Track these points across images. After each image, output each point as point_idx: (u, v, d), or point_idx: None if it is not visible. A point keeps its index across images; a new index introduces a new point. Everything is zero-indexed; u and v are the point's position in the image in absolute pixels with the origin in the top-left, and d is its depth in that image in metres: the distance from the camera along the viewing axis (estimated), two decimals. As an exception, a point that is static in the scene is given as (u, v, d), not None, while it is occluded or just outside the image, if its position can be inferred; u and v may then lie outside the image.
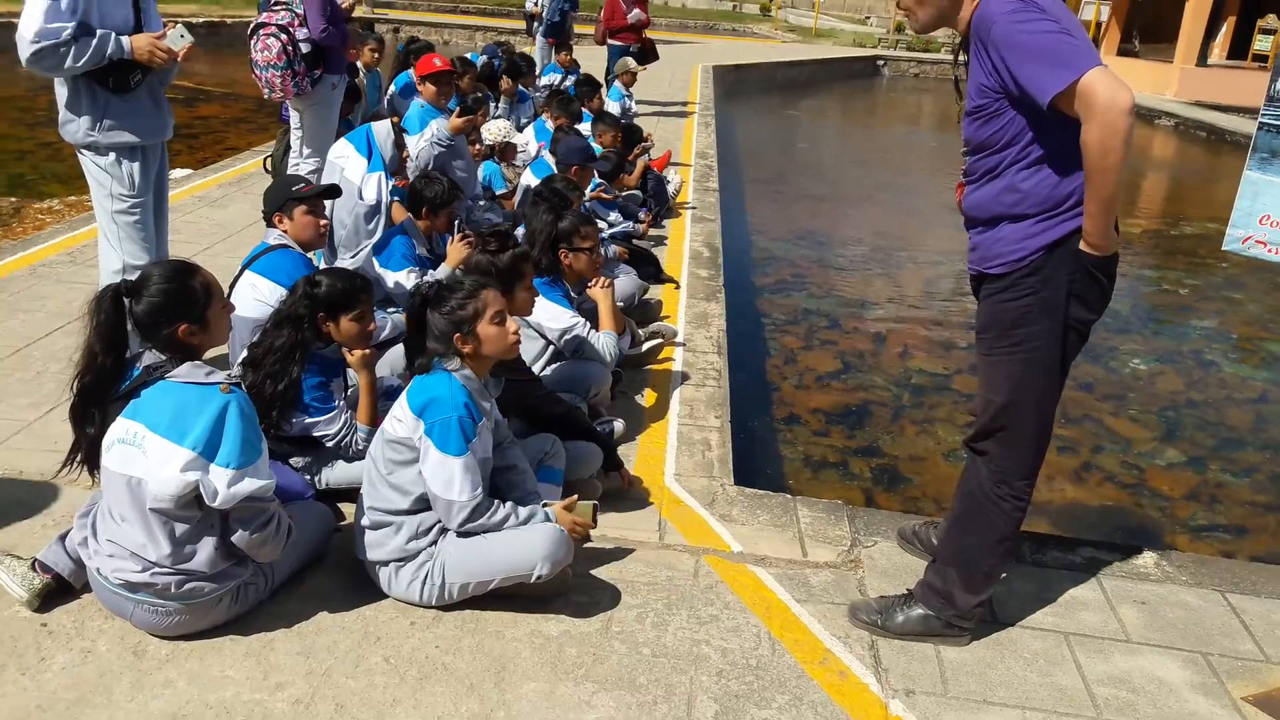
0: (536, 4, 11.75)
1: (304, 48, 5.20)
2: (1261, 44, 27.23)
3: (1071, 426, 5.30)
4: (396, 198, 4.85)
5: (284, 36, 5.13)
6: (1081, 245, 2.33)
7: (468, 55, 9.39)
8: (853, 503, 3.68)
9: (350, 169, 4.62)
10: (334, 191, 3.98)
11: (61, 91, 3.50)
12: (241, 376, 2.96)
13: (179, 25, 3.56)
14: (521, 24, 13.31)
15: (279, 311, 3.07)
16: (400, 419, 2.63)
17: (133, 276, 2.56)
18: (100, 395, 2.41)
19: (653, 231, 6.89)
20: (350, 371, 3.22)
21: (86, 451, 2.47)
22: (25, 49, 3.26)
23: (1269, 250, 2.42)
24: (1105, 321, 7.03)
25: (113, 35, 3.35)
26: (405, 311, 2.86)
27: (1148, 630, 2.89)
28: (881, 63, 26.19)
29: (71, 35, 3.26)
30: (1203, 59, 26.03)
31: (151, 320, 2.40)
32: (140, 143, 3.59)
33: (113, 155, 3.55)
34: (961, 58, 2.51)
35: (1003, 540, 2.65)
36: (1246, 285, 8.35)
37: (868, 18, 44.11)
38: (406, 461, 2.63)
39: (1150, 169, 17.00)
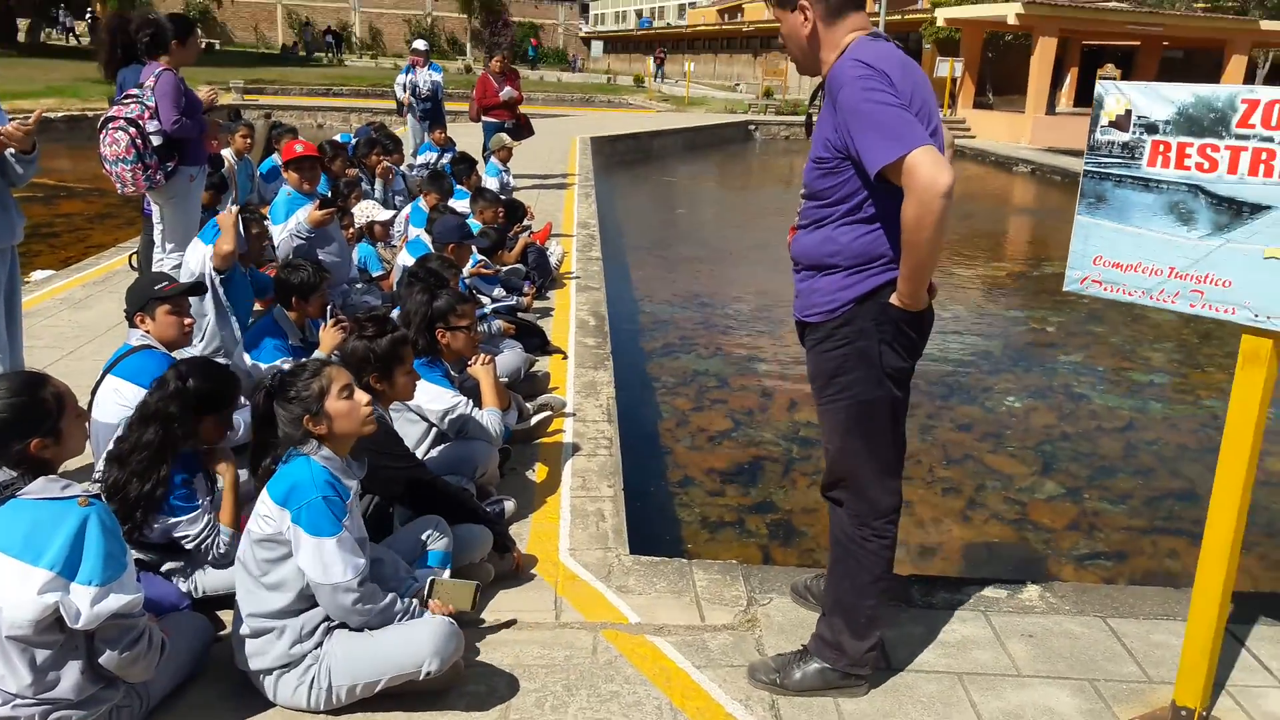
0: (405, 91, 11.80)
1: (155, 140, 5.07)
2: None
3: (954, 467, 5.47)
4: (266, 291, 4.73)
5: (132, 130, 4.99)
6: (893, 299, 2.47)
7: (337, 137, 9.32)
8: (750, 561, 3.70)
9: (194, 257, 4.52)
10: (198, 289, 3.85)
11: None
12: (105, 474, 2.81)
13: (15, 121, 3.43)
14: (394, 103, 13.33)
15: (145, 405, 2.92)
16: (266, 514, 2.52)
17: None
18: None
19: (538, 304, 6.90)
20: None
21: None
22: None
23: (1105, 289, 2.57)
24: (978, 362, 7.42)
25: None
26: (251, 408, 2.75)
27: (1036, 662, 2.96)
28: (753, 127, 27.14)
29: None
30: (1051, 108, 27.92)
31: (0, 437, 2.25)
32: None
33: None
34: (818, 100, 2.63)
35: (876, 580, 2.70)
36: (1107, 319, 8.86)
37: (737, 85, 45.85)
38: (280, 558, 2.51)
39: (1012, 213, 17.99)
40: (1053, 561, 4.61)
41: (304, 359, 2.79)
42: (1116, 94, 2.48)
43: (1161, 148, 2.40)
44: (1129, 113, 2.46)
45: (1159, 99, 2.40)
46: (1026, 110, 26.27)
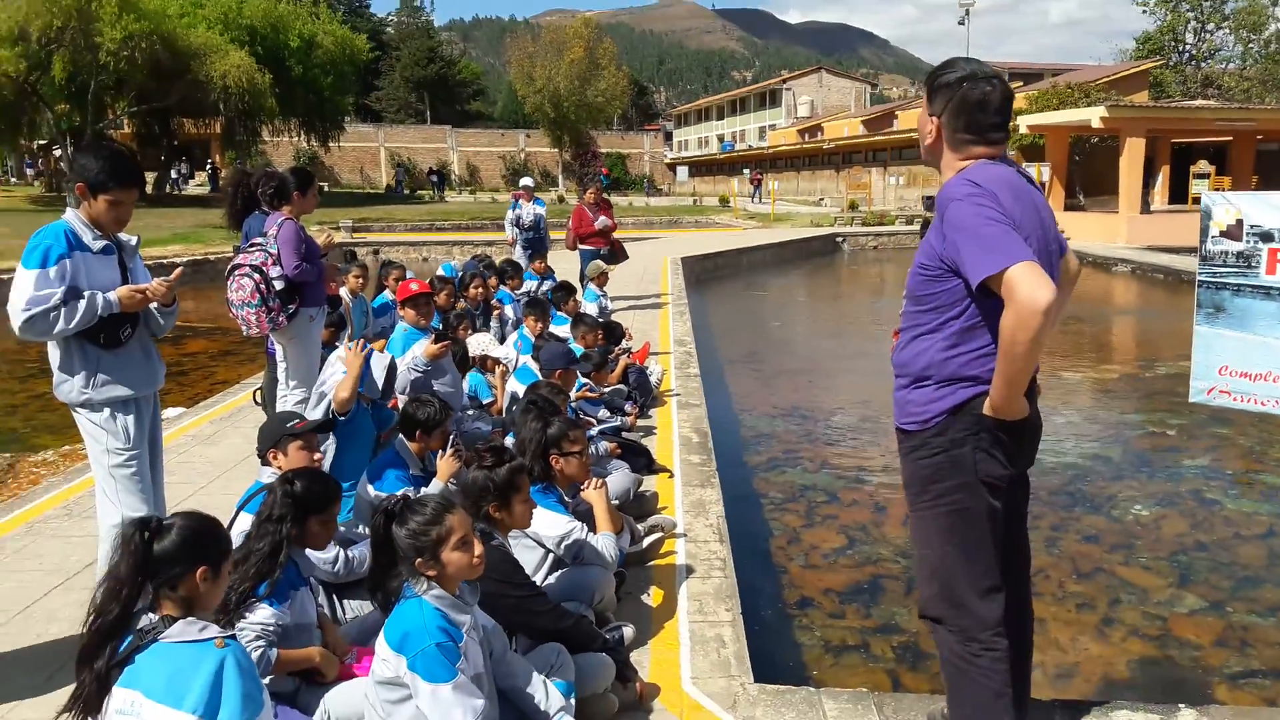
0: (512, 225, 12.40)
1: (278, 284, 5.39)
2: (1198, 187, 28.90)
3: (1084, 581, 5.21)
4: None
5: (257, 275, 5.33)
6: (986, 409, 2.47)
7: (440, 269, 9.77)
8: (879, 687, 3.56)
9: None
10: (328, 426, 4.03)
11: (54, 353, 3.59)
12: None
13: (161, 279, 3.70)
14: (494, 234, 13.99)
15: (259, 513, 3.09)
16: (384, 658, 2.57)
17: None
18: (115, 631, 2.35)
19: (641, 422, 6.96)
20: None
21: (90, 691, 2.35)
22: (17, 318, 3.37)
23: (1234, 399, 2.50)
24: (1099, 469, 7.13)
25: (100, 294, 3.47)
26: (371, 532, 2.84)
27: (1205, 798, 2.75)
28: (840, 239, 27.36)
29: (60, 300, 3.38)
30: (1145, 207, 27.44)
31: (174, 556, 2.37)
32: (133, 395, 3.66)
33: (107, 411, 3.60)
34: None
35: (999, 696, 2.60)
36: (1233, 420, 8.44)
37: (821, 199, 46.47)
38: (401, 699, 2.55)
39: (1116, 314, 17.52)
40: (1203, 681, 4.30)
41: (428, 493, 2.87)
42: (1225, 204, 2.46)
43: None
44: (1240, 222, 2.43)
45: (1271, 207, 2.37)
46: (1120, 210, 25.85)
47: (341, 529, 4.24)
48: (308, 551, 3.40)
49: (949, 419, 2.53)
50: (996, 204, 2.39)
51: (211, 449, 6.41)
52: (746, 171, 55.14)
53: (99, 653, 2.35)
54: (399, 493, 4.23)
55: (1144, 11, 49.15)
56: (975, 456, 2.51)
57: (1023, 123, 29.34)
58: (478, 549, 2.72)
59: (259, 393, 6.81)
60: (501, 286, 9.40)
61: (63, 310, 3.39)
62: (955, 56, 2.74)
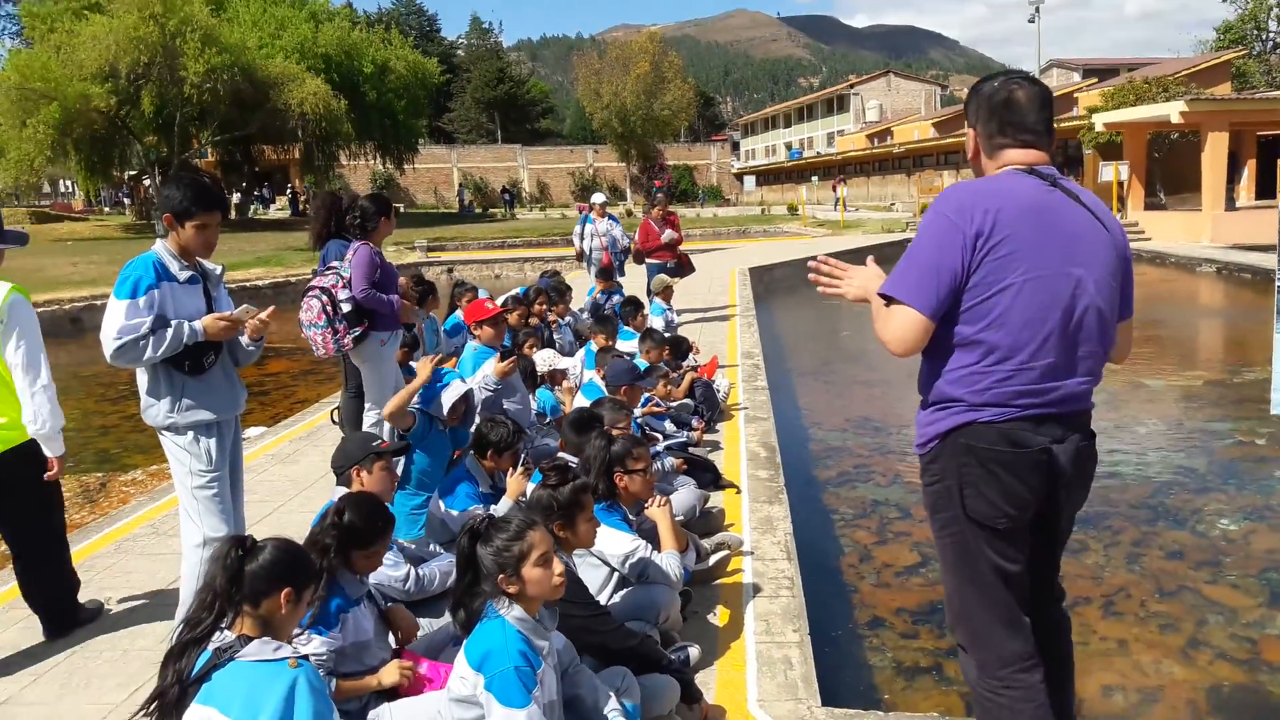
0: (580, 239, 12.45)
1: (345, 306, 5.53)
2: (1287, 181, 27.69)
3: (1168, 600, 5.03)
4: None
5: (324, 298, 5.49)
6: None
7: (515, 291, 9.89)
8: (952, 712, 3.50)
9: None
10: (405, 449, 4.15)
11: (142, 379, 3.76)
12: None
13: (246, 305, 3.86)
14: (565, 250, 14.11)
15: (311, 534, 3.19)
16: (462, 675, 2.62)
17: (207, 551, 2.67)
18: (203, 639, 2.46)
19: (708, 437, 6.96)
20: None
21: (171, 696, 2.43)
22: (109, 346, 3.55)
23: (1326, 410, 2.38)
24: (1183, 481, 6.88)
25: (186, 323, 3.63)
26: (456, 550, 2.89)
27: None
28: (912, 245, 26.92)
29: (149, 329, 3.55)
30: (1231, 203, 26.43)
31: (266, 572, 2.51)
32: (216, 419, 3.81)
33: (190, 434, 3.75)
34: None
35: None
36: (1326, 427, 8.08)
37: (892, 205, 45.82)
38: (474, 719, 2.59)
39: (1201, 316, 16.91)
40: (1298, 707, 4.11)
41: (496, 510, 2.93)
42: (1310, 204, 2.36)
43: (1375, 258, 2.26)
44: (1327, 223, 2.33)
45: (1363, 208, 2.27)
46: (1204, 208, 24.95)
47: (412, 546, 4.34)
48: (382, 568, 3.49)
49: (940, 444, 2.47)
50: (947, 227, 2.37)
51: (291, 468, 6.61)
52: (816, 179, 54.68)
53: (184, 656, 2.47)
54: (479, 510, 4.32)
55: (1224, 0, 47.53)
56: (963, 492, 2.43)
57: (1099, 120, 28.54)
58: (558, 567, 2.76)
59: (336, 412, 7.00)
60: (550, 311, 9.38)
61: (151, 338, 3.55)
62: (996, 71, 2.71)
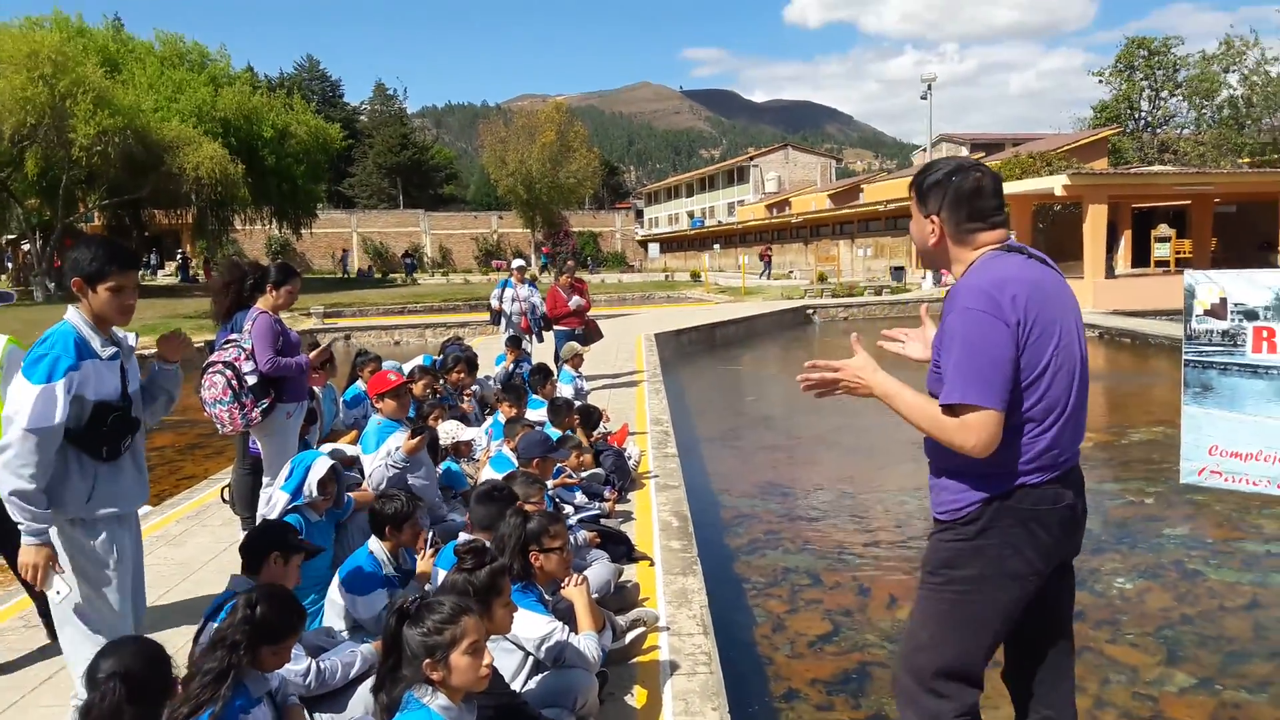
0: (499, 301, 12.31)
1: (250, 379, 5.32)
2: (1160, 250, 29.67)
3: (1075, 661, 5.12)
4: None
5: (229, 372, 5.27)
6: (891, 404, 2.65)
7: (419, 359, 9.70)
8: (870, 786, 3.44)
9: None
10: (316, 549, 3.95)
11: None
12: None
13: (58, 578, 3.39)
14: (468, 315, 13.95)
15: (218, 631, 2.94)
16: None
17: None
18: None
19: (620, 507, 6.87)
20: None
21: None
22: (15, 441, 3.18)
23: (1225, 479, 2.48)
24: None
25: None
26: (380, 633, 2.75)
27: None
28: (811, 311, 27.62)
29: (60, 423, 3.21)
30: (1110, 271, 28.00)
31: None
32: (122, 512, 3.53)
33: (100, 530, 3.44)
34: None
35: None
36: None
37: (790, 272, 47.13)
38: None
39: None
40: (1201, 765, 4.21)
41: (449, 597, 2.78)
42: (1208, 283, 2.49)
43: (1265, 333, 2.38)
44: (1224, 300, 2.45)
45: (1254, 285, 2.40)
46: (1085, 276, 26.34)
47: (309, 634, 4.11)
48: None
49: (983, 508, 2.54)
50: (998, 316, 2.43)
51: (178, 550, 6.22)
52: (718, 247, 55.75)
53: None
54: (410, 597, 4.11)
55: (1100, 81, 51.09)
56: (1003, 552, 2.52)
57: (985, 194, 30.02)
58: (487, 658, 2.64)
59: (227, 489, 6.67)
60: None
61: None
62: (932, 160, 2.81)
